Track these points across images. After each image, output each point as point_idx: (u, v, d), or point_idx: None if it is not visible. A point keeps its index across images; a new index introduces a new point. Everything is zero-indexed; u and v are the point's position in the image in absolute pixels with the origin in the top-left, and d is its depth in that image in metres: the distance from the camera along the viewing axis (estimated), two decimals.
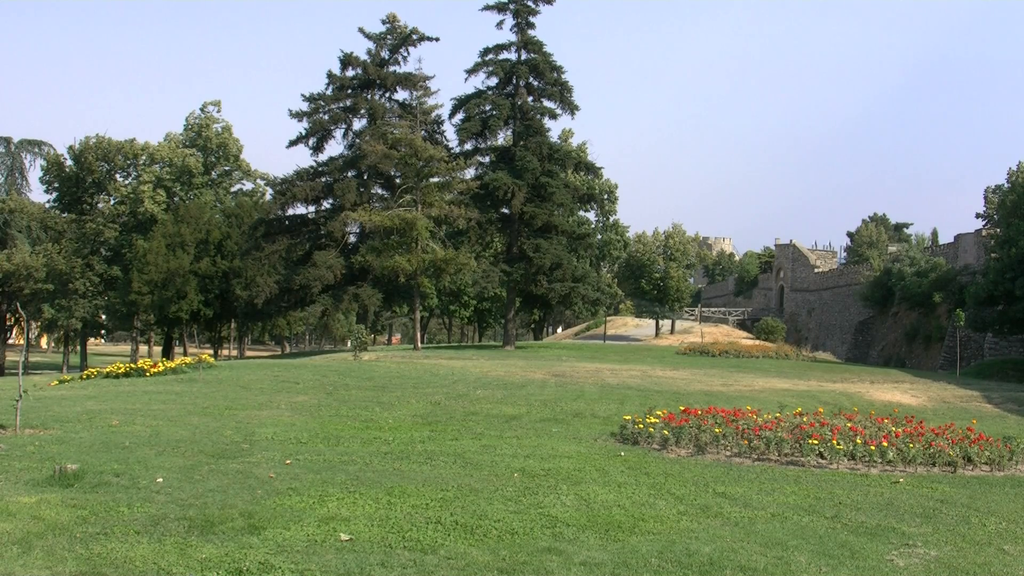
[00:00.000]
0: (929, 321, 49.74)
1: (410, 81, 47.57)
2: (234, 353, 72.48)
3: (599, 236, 71.06)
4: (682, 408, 14.66)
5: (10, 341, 67.44)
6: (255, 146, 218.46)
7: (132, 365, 24.92)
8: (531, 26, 45.26)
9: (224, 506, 7.58)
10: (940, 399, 22.58)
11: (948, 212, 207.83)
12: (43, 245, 55.56)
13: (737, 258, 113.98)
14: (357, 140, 46.34)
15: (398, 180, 44.79)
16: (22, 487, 8.23)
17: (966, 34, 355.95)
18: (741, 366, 32.72)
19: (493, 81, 45.78)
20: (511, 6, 44.62)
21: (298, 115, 47.07)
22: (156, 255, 49.98)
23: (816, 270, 69.73)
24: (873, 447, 11.46)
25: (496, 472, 9.89)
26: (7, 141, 62.51)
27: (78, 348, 64.91)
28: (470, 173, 45.03)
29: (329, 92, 47.47)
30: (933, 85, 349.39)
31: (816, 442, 11.60)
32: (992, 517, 8.49)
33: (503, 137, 47.77)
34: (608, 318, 63.72)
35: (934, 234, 79.16)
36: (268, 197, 55.86)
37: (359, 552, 6.28)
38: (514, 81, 45.40)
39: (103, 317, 62.58)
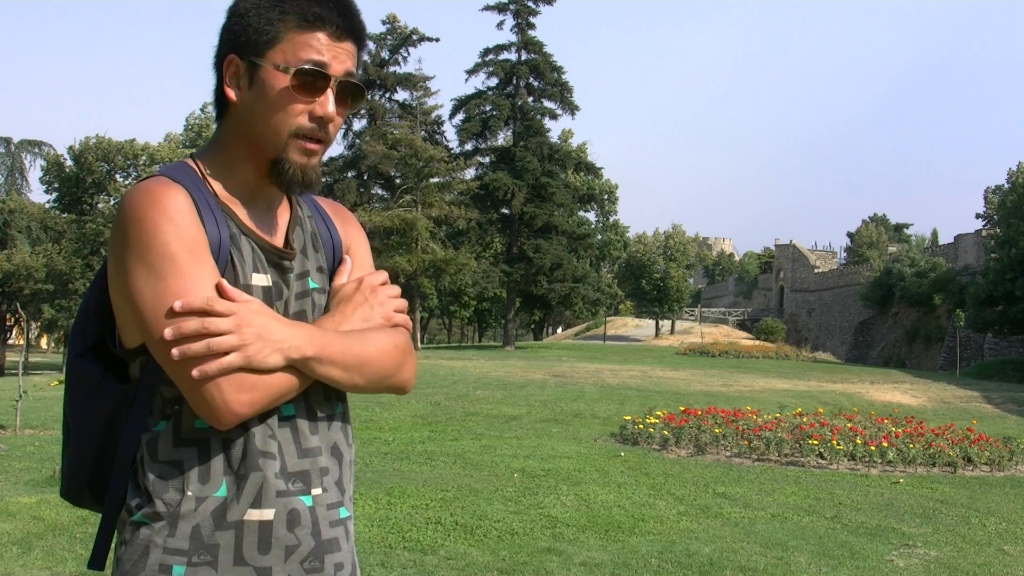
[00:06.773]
0: (929, 321, 49.74)
1: (410, 81, 47.61)
2: None
3: (599, 236, 71.07)
4: (682, 408, 14.66)
5: (10, 341, 67.34)
6: None
7: None
8: (531, 26, 45.33)
9: None
10: (940, 399, 22.58)
11: (948, 212, 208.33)
12: (43, 245, 55.47)
13: (737, 258, 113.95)
14: (357, 140, 46.37)
15: (398, 180, 44.81)
16: (22, 487, 8.22)
17: (966, 34, 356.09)
18: (741, 366, 32.71)
19: (493, 81, 45.87)
20: (511, 6, 44.66)
21: None
22: None
23: (816, 270, 69.70)
24: (873, 447, 11.45)
25: (496, 472, 9.88)
26: (7, 141, 62.44)
27: None
28: (470, 173, 45.10)
29: None
30: (933, 84, 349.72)
31: (816, 442, 11.59)
32: (992, 517, 8.49)
33: (503, 137, 47.83)
34: (608, 318, 63.72)
35: (934, 234, 79.19)
36: None
37: (359, 552, 6.27)
38: (514, 81, 45.44)
39: None
